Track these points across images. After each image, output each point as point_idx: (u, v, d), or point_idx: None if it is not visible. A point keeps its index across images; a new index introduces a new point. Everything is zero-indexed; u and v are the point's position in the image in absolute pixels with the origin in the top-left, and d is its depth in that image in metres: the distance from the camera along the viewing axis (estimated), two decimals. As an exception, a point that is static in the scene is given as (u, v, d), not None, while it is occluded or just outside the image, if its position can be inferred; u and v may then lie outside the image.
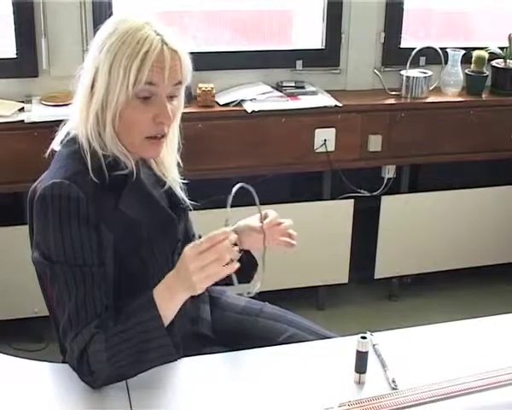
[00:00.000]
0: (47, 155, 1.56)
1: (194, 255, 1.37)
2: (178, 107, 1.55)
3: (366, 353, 1.51)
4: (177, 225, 1.63)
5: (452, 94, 3.29)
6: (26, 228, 1.66)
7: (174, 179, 1.66)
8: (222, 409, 1.43)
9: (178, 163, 1.68)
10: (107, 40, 1.45)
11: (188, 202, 1.68)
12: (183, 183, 1.70)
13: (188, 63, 1.50)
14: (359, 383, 1.52)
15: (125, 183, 1.53)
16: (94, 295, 1.45)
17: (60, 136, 1.56)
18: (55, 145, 1.55)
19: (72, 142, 1.53)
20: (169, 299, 1.43)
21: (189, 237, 1.73)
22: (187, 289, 1.42)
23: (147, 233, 1.55)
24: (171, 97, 1.50)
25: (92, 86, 1.47)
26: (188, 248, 1.39)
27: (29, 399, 1.44)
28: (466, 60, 3.29)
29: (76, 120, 1.52)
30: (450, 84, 3.29)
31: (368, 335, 1.55)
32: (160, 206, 1.60)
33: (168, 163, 1.64)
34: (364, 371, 1.52)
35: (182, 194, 1.67)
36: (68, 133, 1.54)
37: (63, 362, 1.64)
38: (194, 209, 1.75)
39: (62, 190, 1.44)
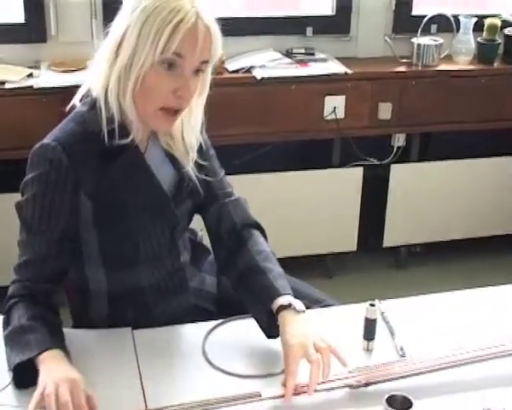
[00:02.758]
0: (67, 110, 1.55)
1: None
2: (203, 85, 1.50)
3: (375, 320, 1.52)
4: (171, 205, 1.58)
5: (463, 62, 3.26)
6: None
7: (183, 154, 1.59)
8: (225, 376, 1.45)
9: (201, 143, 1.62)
10: (142, 1, 1.41)
11: (195, 179, 1.60)
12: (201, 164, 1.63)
13: (218, 43, 1.44)
14: (367, 350, 1.53)
15: (123, 153, 1.50)
16: (40, 261, 1.50)
17: (80, 93, 1.54)
18: (76, 101, 1.54)
19: (85, 103, 1.51)
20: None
21: (216, 200, 1.67)
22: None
23: (135, 207, 1.53)
24: (195, 72, 1.45)
25: (119, 45, 1.43)
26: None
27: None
28: (478, 27, 3.25)
29: (95, 79, 1.49)
30: (462, 52, 3.26)
31: (376, 302, 1.55)
32: (156, 185, 1.56)
33: (188, 141, 1.58)
34: (373, 339, 1.52)
35: (191, 173, 1.60)
36: (89, 90, 1.52)
37: (73, 327, 1.66)
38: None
39: (47, 151, 1.46)
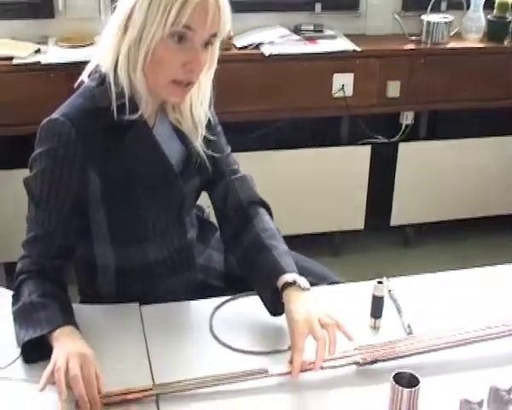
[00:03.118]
0: (76, 86, 1.55)
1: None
2: (211, 58, 1.50)
3: (382, 298, 1.52)
4: (179, 180, 1.58)
5: (473, 40, 3.24)
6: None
7: (192, 130, 1.59)
8: (232, 352, 1.46)
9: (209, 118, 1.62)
10: None
11: (204, 154, 1.60)
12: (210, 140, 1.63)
13: (228, 16, 1.44)
14: (375, 327, 1.53)
15: (131, 128, 1.50)
16: (49, 237, 1.50)
17: (88, 68, 1.54)
18: (84, 77, 1.54)
19: (94, 79, 1.51)
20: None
21: (223, 177, 1.67)
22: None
23: (143, 183, 1.53)
24: (205, 45, 1.44)
25: (128, 20, 1.43)
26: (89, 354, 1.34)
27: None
28: (488, 5, 3.22)
29: (103, 54, 1.48)
30: (472, 30, 3.23)
31: (384, 280, 1.55)
32: (165, 160, 1.56)
33: (197, 114, 1.58)
34: (380, 316, 1.53)
35: (200, 149, 1.59)
36: (97, 66, 1.52)
37: (81, 302, 1.67)
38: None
39: (56, 126, 1.46)
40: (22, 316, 1.43)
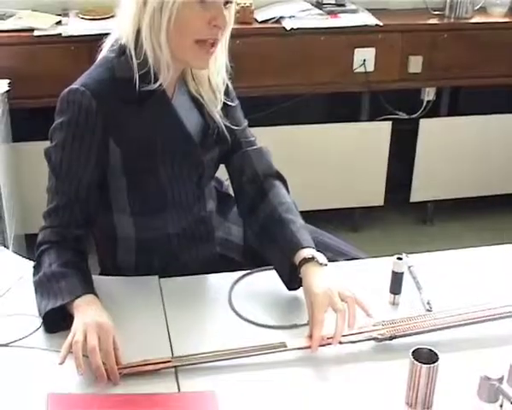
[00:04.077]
0: (98, 58, 1.56)
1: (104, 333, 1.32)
2: (230, 18, 1.51)
3: (402, 274, 1.51)
4: (198, 150, 1.59)
5: (498, 14, 3.20)
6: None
7: (211, 99, 1.60)
8: (250, 325, 1.46)
9: (227, 85, 1.63)
10: None
11: (222, 125, 1.61)
12: (229, 105, 1.64)
13: None
14: (394, 303, 1.53)
15: (150, 98, 1.50)
16: (70, 207, 1.51)
17: (109, 42, 1.54)
18: (105, 50, 1.54)
19: (113, 51, 1.51)
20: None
21: (240, 148, 1.67)
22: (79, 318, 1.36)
23: (163, 153, 1.54)
24: (226, 3, 1.47)
25: None
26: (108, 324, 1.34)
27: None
28: (514, -21, 3.18)
29: (124, 24, 1.49)
30: (497, 4, 3.19)
31: (404, 256, 1.54)
32: (185, 130, 1.57)
33: (215, 82, 1.59)
34: (399, 293, 1.52)
35: (219, 119, 1.61)
36: (117, 40, 1.52)
37: (101, 274, 1.68)
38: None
39: (76, 96, 1.46)
40: (43, 286, 1.44)
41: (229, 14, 1.50)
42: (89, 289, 1.43)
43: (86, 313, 1.36)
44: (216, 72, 1.58)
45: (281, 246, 1.53)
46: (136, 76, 1.46)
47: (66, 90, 1.48)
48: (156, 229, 1.62)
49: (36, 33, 2.73)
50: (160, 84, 1.50)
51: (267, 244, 1.59)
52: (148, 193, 1.57)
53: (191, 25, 1.45)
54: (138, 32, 1.47)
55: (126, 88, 1.47)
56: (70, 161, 1.49)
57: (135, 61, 1.47)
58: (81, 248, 1.53)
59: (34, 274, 1.49)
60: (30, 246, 2.67)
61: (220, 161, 1.69)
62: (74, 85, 1.48)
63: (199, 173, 1.62)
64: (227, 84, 1.62)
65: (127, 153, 1.51)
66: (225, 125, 1.62)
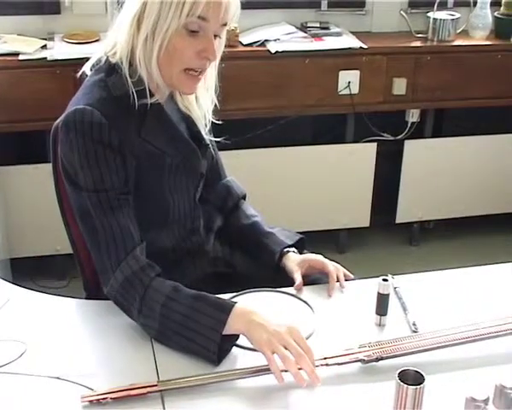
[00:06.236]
0: (78, 75, 1.56)
1: (287, 341, 1.34)
2: (219, 47, 1.53)
3: (387, 295, 1.51)
4: (200, 159, 1.63)
5: (480, 37, 3.23)
6: (48, 166, 1.66)
7: (199, 117, 1.65)
8: (238, 349, 1.45)
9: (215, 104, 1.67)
10: None
11: (208, 140, 1.67)
12: (217, 123, 1.68)
13: (238, 5, 1.49)
14: (380, 325, 1.53)
15: (149, 113, 1.52)
16: (129, 221, 1.46)
17: (91, 61, 1.55)
18: (86, 68, 1.54)
19: (100, 70, 1.52)
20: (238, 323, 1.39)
21: (220, 178, 1.78)
22: (247, 331, 1.38)
23: (171, 164, 1.55)
24: (215, 36, 1.48)
25: (141, 13, 1.44)
26: (292, 329, 1.36)
27: (56, 333, 1.47)
28: (495, 2, 3.23)
29: (119, 46, 1.50)
30: (479, 27, 3.23)
31: (389, 277, 1.55)
32: (184, 138, 1.60)
33: (204, 102, 1.63)
34: (385, 314, 1.52)
35: (204, 131, 1.66)
36: (99, 60, 1.53)
37: (86, 298, 1.67)
38: (221, 149, 1.74)
39: (85, 115, 1.43)
40: (182, 330, 1.39)
41: (220, 42, 1.52)
42: (227, 301, 1.44)
43: (250, 319, 1.37)
44: (205, 90, 1.62)
45: (261, 255, 1.73)
46: (135, 94, 1.47)
47: (71, 111, 1.45)
48: (152, 243, 1.55)
49: (21, 57, 2.73)
50: (157, 99, 1.52)
51: (246, 253, 1.77)
52: (152, 207, 1.56)
53: (181, 54, 1.46)
54: (131, 53, 1.48)
55: (126, 105, 1.48)
56: (102, 178, 1.44)
57: (129, 81, 1.48)
58: (159, 269, 1.47)
59: (153, 330, 1.42)
60: (16, 271, 2.66)
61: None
62: (79, 106, 1.44)
63: (198, 180, 1.64)
64: (215, 103, 1.66)
65: (140, 167, 1.50)
66: (212, 143, 1.69)
